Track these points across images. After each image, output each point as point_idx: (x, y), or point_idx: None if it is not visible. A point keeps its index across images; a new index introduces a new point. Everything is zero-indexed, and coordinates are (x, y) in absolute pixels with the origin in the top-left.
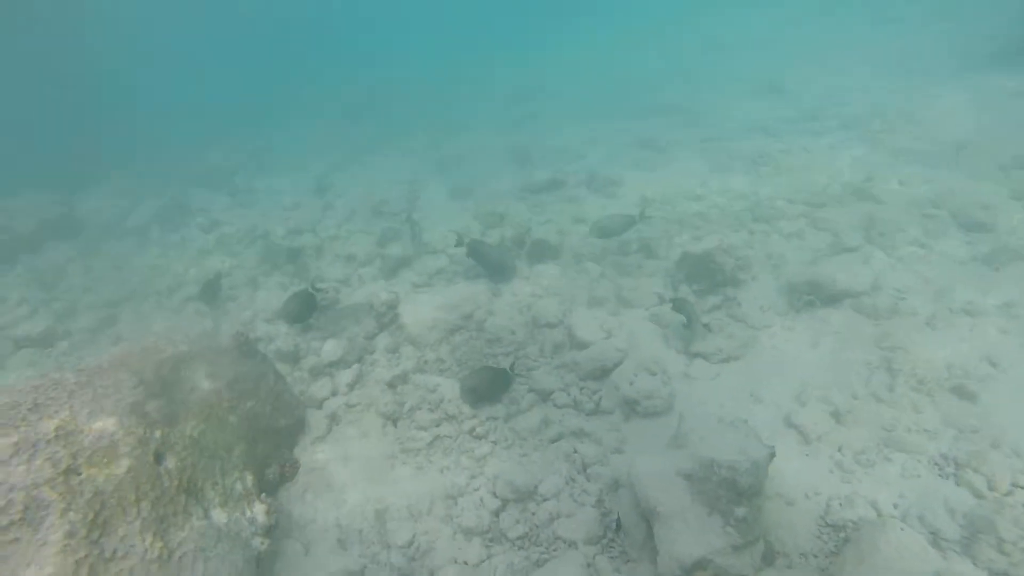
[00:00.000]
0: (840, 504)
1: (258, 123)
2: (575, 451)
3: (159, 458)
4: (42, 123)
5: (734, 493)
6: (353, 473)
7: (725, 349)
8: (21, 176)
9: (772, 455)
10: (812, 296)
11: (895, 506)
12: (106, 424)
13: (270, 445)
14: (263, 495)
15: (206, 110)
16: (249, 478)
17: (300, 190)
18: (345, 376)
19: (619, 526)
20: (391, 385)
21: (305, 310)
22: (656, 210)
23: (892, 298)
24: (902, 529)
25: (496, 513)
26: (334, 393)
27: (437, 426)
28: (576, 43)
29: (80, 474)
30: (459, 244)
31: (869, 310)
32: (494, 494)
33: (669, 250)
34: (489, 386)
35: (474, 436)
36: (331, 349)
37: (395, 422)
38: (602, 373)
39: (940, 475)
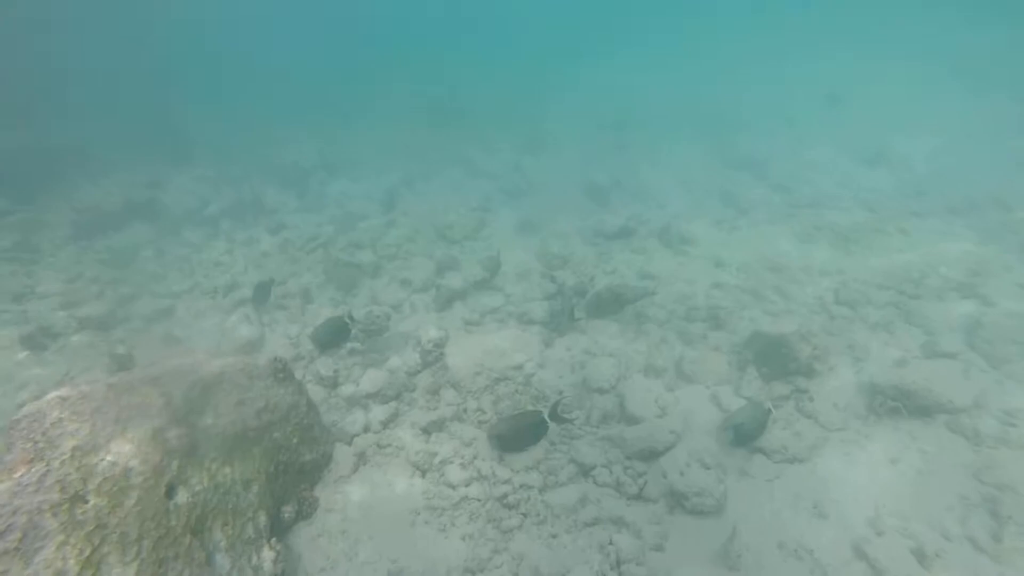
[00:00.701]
0: None
1: (342, 120)
2: (611, 542)
3: (171, 492)
4: (139, 97)
5: None
6: (371, 523)
7: (790, 448)
8: (120, 151)
9: None
10: (898, 403)
11: None
12: (123, 449)
13: (291, 480)
14: (274, 540)
15: (296, 97)
16: (263, 519)
17: (369, 200)
18: (380, 412)
19: None
20: (426, 431)
21: (334, 339)
22: (731, 277)
23: (999, 422)
24: None
25: None
26: (366, 429)
27: (467, 486)
28: (684, 71)
29: (87, 502)
30: (550, 279)
31: (969, 432)
32: None
33: (739, 323)
34: (519, 436)
35: (504, 504)
36: (370, 380)
37: (424, 473)
38: (650, 455)
39: None
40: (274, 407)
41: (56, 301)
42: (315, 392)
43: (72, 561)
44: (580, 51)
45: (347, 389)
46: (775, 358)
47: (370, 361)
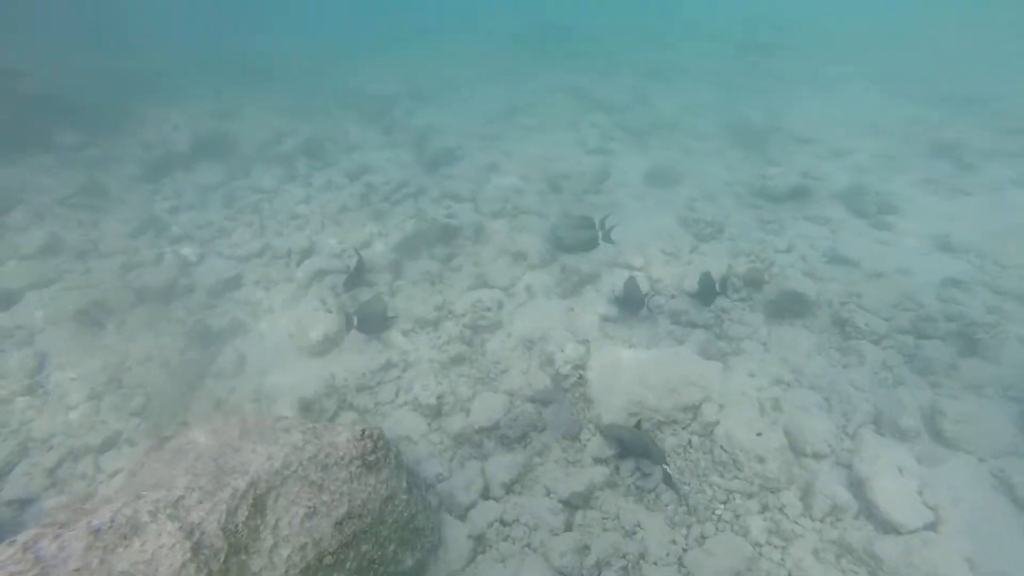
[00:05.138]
0: None
1: (418, 39)
2: None
3: None
4: (206, 26)
5: None
6: None
7: None
8: (189, 77)
9: None
10: None
11: None
12: None
13: None
14: None
15: (378, 25)
16: None
17: (464, 134)
18: (502, 466)
19: None
20: (569, 505)
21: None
22: (972, 267)
23: None
24: None
25: None
26: (484, 495)
27: None
28: None
29: None
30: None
31: None
32: None
33: (1004, 346)
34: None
35: None
36: (483, 407)
37: None
38: None
39: None
40: (363, 509)
41: (117, 261)
42: (412, 424)
43: None
44: None
45: (455, 422)
46: None
47: (481, 373)
